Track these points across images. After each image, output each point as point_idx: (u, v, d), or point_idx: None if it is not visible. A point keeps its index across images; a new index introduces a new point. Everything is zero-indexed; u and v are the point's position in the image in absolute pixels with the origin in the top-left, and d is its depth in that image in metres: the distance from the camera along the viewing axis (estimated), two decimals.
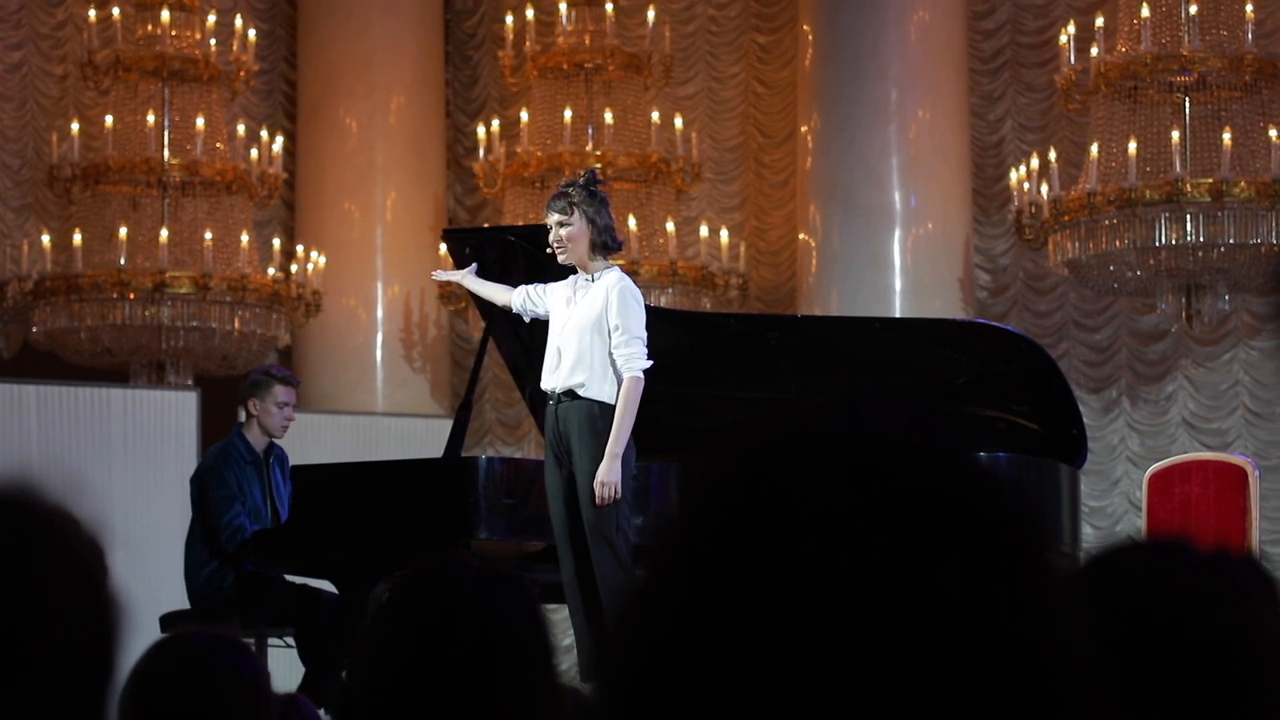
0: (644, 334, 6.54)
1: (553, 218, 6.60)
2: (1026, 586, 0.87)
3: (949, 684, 0.84)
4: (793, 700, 0.85)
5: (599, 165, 11.63)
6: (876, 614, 0.85)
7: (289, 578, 7.87)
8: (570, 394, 6.53)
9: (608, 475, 6.35)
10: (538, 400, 7.96)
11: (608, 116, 11.74)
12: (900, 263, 11.42)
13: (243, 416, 8.13)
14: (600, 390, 6.49)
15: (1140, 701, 1.31)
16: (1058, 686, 0.85)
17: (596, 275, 6.59)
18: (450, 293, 12.02)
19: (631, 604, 0.91)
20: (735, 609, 0.86)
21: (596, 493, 6.35)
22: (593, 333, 6.51)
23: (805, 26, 11.89)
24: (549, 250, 6.69)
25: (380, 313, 12.49)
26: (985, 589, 0.86)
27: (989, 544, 0.87)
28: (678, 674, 0.87)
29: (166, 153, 11.42)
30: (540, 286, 6.74)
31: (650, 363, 6.52)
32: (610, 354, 6.49)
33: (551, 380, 6.59)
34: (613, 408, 6.45)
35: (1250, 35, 10.45)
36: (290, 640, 7.88)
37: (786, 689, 0.85)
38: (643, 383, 6.48)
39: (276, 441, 8.03)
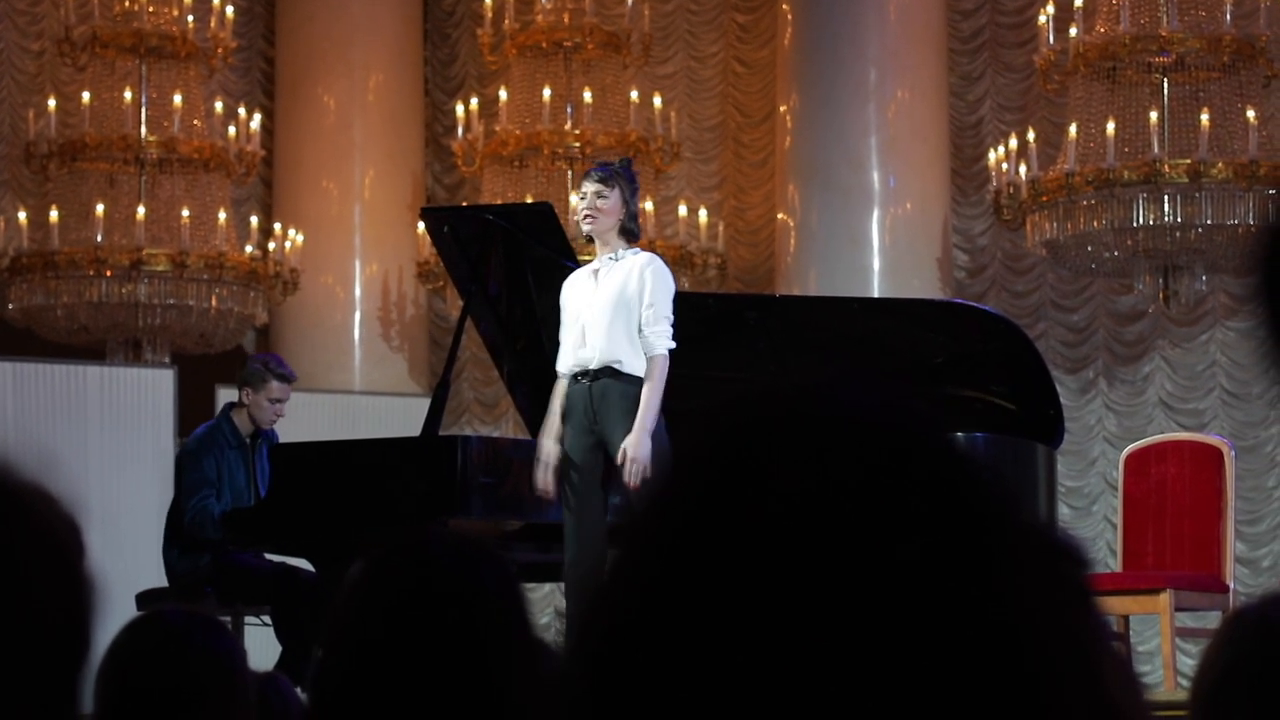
0: (672, 316, 6.55)
1: (590, 185, 6.58)
2: (1002, 567, 0.87)
3: (921, 662, 0.85)
4: (763, 678, 0.85)
5: (578, 143, 11.62)
6: (849, 595, 0.85)
7: (266, 556, 7.86)
8: (609, 370, 6.51)
9: (637, 450, 6.34)
10: (516, 379, 7.96)
11: (586, 95, 11.72)
12: (879, 243, 11.42)
13: (234, 399, 8.13)
14: (636, 366, 6.51)
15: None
16: (1031, 664, 0.85)
17: (620, 254, 6.59)
18: (428, 271, 12.00)
19: (604, 583, 0.91)
20: (707, 588, 0.86)
21: (625, 468, 6.35)
22: (625, 310, 6.50)
23: (784, 6, 11.88)
24: (576, 218, 6.69)
25: (358, 291, 12.47)
26: (960, 570, 0.86)
27: (963, 525, 0.87)
28: (650, 653, 0.87)
29: (144, 130, 11.38)
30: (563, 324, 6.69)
31: (674, 344, 6.52)
32: (639, 330, 6.50)
33: (579, 358, 6.56)
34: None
35: (1228, 16, 10.46)
36: (267, 618, 7.88)
37: (757, 668, 0.85)
38: (668, 361, 6.49)
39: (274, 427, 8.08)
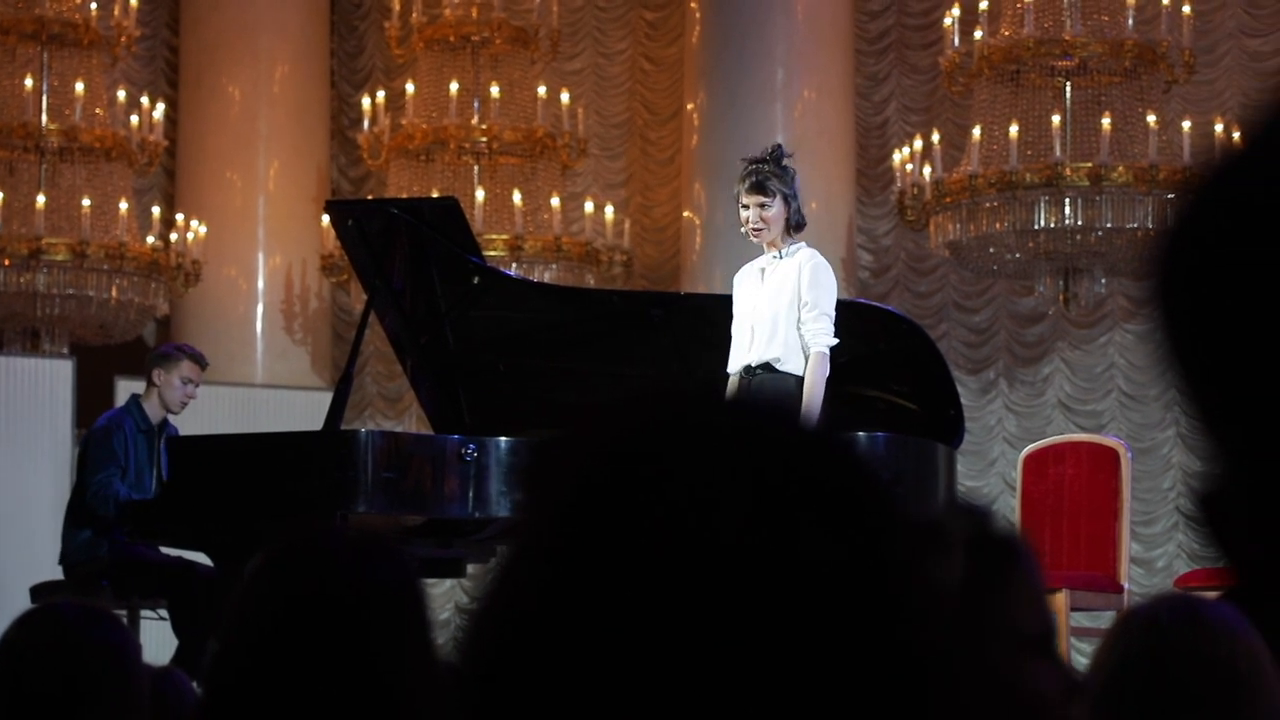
0: (833, 313, 6.48)
1: (751, 199, 6.45)
2: (887, 565, 0.88)
3: (810, 657, 0.85)
4: (657, 676, 0.85)
5: (484, 138, 11.59)
6: (737, 595, 0.85)
7: (163, 549, 7.80)
8: (766, 367, 6.46)
9: None
10: (419, 374, 7.93)
11: (494, 90, 11.69)
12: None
13: (143, 387, 8.06)
14: (795, 364, 6.44)
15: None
16: (917, 657, 0.86)
17: (785, 252, 6.51)
18: (333, 264, 11.94)
19: (494, 582, 0.91)
20: (598, 588, 0.86)
21: None
22: (787, 308, 6.43)
23: (693, 4, 11.90)
24: (743, 230, 6.56)
25: (261, 283, 12.39)
26: (850, 570, 0.87)
27: (853, 525, 0.88)
28: (541, 652, 0.87)
29: (45, 118, 11.25)
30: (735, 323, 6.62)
31: (836, 340, 6.45)
32: (798, 327, 6.43)
33: (748, 356, 6.49)
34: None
35: (1130, 21, 10.58)
36: (164, 612, 7.82)
37: (649, 665, 0.85)
38: (829, 359, 6.42)
39: (170, 420, 7.99)
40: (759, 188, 6.43)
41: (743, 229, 6.59)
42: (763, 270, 6.58)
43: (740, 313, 6.58)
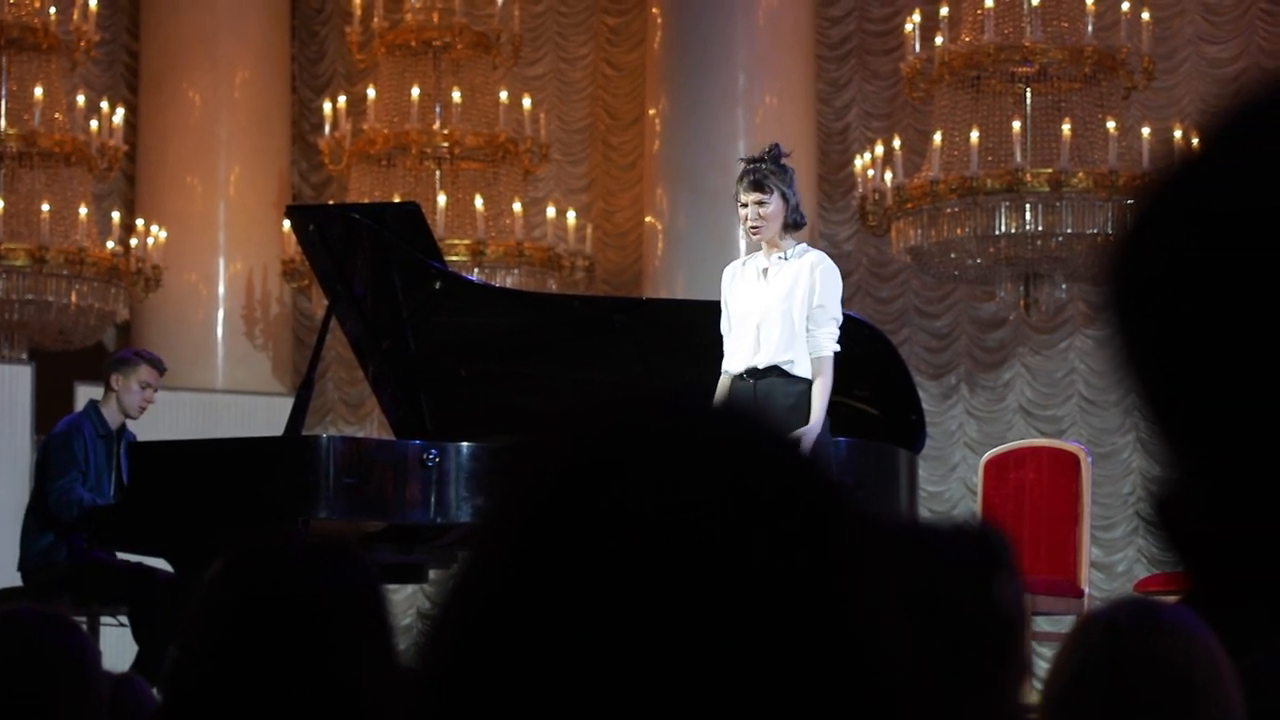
0: (841, 318, 6.51)
1: (749, 196, 6.48)
2: (846, 571, 0.88)
3: (767, 663, 0.85)
4: (614, 681, 0.85)
5: (446, 143, 11.57)
6: (697, 598, 0.85)
7: (124, 555, 7.76)
8: (776, 370, 6.45)
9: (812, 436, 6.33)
10: (381, 379, 7.91)
11: (455, 95, 11.68)
12: (746, 246, 11.48)
13: (101, 392, 8.04)
14: (805, 368, 6.44)
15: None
16: (871, 663, 0.86)
17: (790, 253, 6.52)
18: (294, 269, 11.91)
19: (453, 586, 0.91)
20: (556, 593, 0.87)
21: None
22: (798, 311, 6.43)
23: (654, 10, 11.91)
24: (747, 227, 6.59)
25: (222, 289, 12.35)
26: (801, 574, 0.87)
27: (808, 531, 0.88)
28: (500, 657, 0.87)
29: (3, 122, 11.20)
30: (725, 325, 6.61)
31: (839, 347, 6.48)
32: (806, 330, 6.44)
33: (751, 358, 6.46)
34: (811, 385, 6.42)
35: (1090, 27, 10.62)
36: (124, 619, 7.78)
37: (607, 670, 0.85)
38: (833, 363, 6.46)
39: (129, 425, 7.97)
40: (757, 185, 6.47)
41: (742, 227, 6.63)
42: (764, 270, 6.55)
43: (738, 312, 6.55)
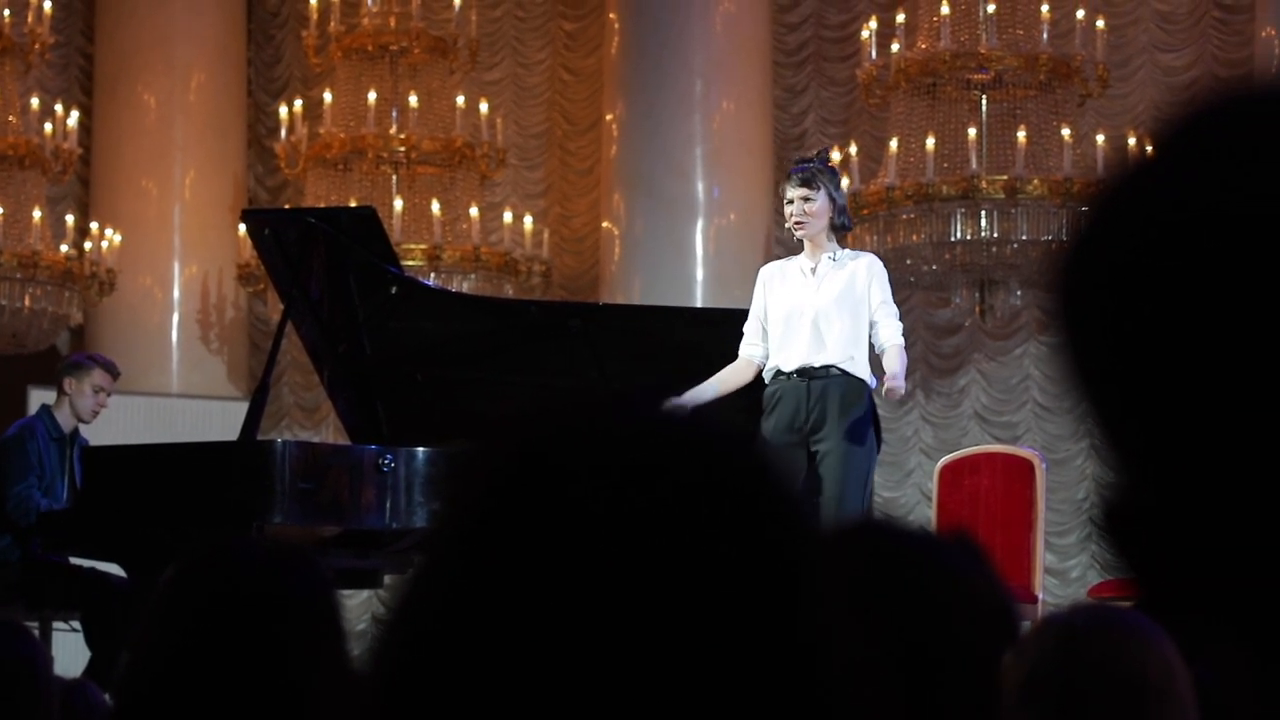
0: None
1: (796, 191, 6.56)
2: (793, 572, 0.88)
3: (716, 671, 0.85)
4: (562, 689, 0.85)
5: (402, 147, 11.55)
6: (646, 599, 0.85)
7: (76, 561, 7.73)
8: (835, 369, 6.50)
9: (897, 383, 6.41)
10: (337, 384, 7.89)
11: (412, 100, 11.66)
12: (703, 253, 11.49)
13: (54, 396, 8.00)
14: (864, 368, 6.53)
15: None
16: (823, 674, 0.87)
17: (839, 255, 6.61)
18: (249, 273, 11.87)
19: (404, 591, 0.91)
20: (507, 597, 0.86)
21: (889, 383, 6.39)
22: (855, 311, 6.52)
23: (611, 15, 11.91)
24: (787, 227, 6.62)
25: (177, 293, 12.30)
26: (750, 577, 0.87)
27: (759, 530, 0.88)
28: (448, 664, 0.87)
29: None
30: (755, 322, 6.68)
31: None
32: (871, 324, 6.55)
33: (808, 357, 6.51)
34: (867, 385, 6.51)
35: (1045, 35, 10.67)
36: (77, 624, 7.74)
37: (557, 673, 0.85)
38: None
39: (81, 430, 7.93)
40: (805, 182, 6.56)
41: (787, 225, 6.73)
42: (811, 269, 6.62)
43: (786, 310, 6.59)
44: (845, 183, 6.85)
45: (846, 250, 6.71)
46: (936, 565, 1.60)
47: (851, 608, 0.88)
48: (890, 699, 0.95)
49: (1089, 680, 2.04)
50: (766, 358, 6.68)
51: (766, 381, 6.66)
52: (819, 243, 6.61)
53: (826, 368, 6.52)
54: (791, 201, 6.58)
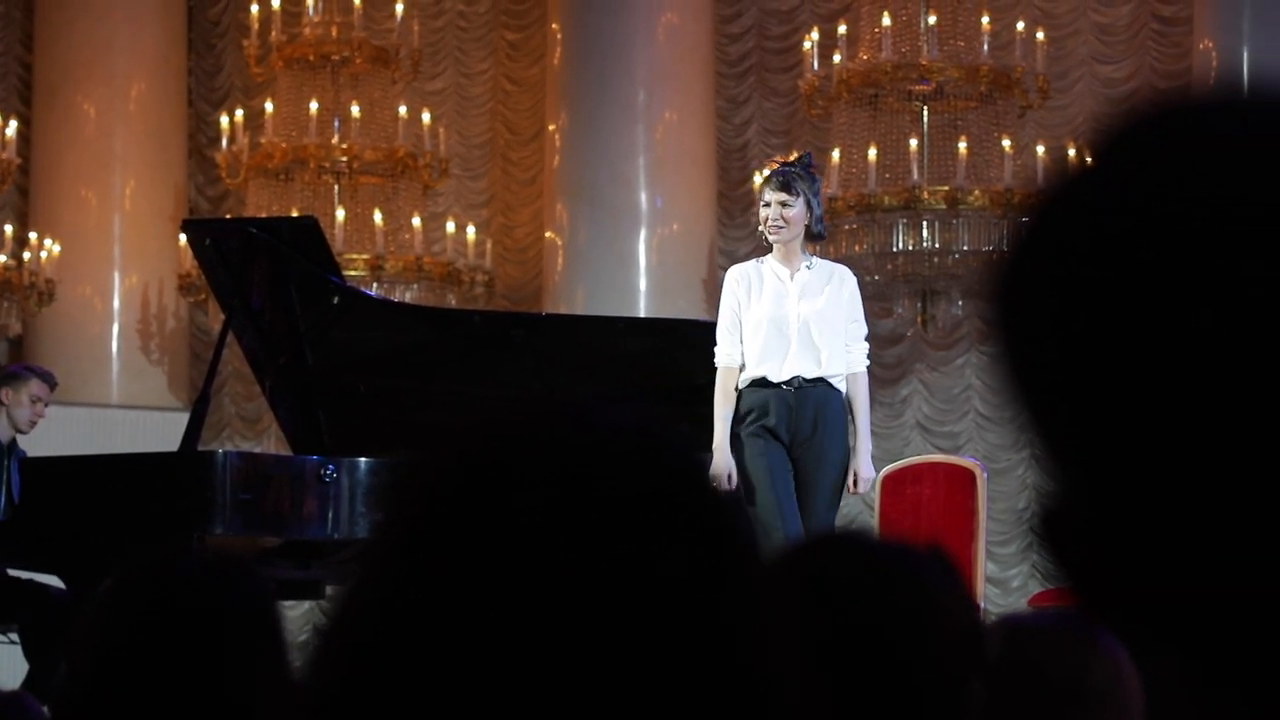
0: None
1: (775, 196, 6.47)
2: (733, 586, 0.88)
3: (659, 680, 0.85)
4: (501, 698, 0.85)
5: (345, 157, 11.52)
6: (584, 611, 0.85)
7: (14, 572, 7.67)
8: (824, 381, 6.46)
9: (869, 471, 6.47)
10: (278, 394, 7.86)
11: (354, 109, 11.63)
12: (646, 262, 11.50)
13: None
14: (844, 382, 6.52)
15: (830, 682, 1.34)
16: (762, 682, 0.87)
17: (814, 263, 6.57)
18: (190, 283, 11.81)
19: (344, 600, 0.91)
20: (445, 606, 0.86)
21: (860, 487, 6.44)
22: (840, 325, 6.50)
23: (554, 25, 11.91)
24: (760, 230, 6.57)
25: (117, 303, 12.23)
26: (692, 587, 0.87)
27: (696, 540, 0.88)
28: (389, 671, 0.87)
29: None
30: (734, 324, 6.57)
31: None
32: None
33: (799, 367, 6.45)
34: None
35: (986, 47, 10.73)
36: (15, 636, 7.69)
37: (495, 687, 0.85)
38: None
39: (20, 441, 7.88)
40: (785, 186, 6.49)
41: (760, 229, 6.63)
42: (789, 275, 6.55)
43: (766, 316, 6.51)
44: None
45: (819, 259, 6.68)
46: (909, 577, 1.61)
47: (809, 617, 0.88)
48: (827, 703, 0.95)
49: (1031, 687, 2.05)
50: (744, 360, 6.58)
51: (741, 388, 6.57)
52: (792, 249, 6.54)
53: (822, 380, 6.49)
54: (769, 205, 6.50)
